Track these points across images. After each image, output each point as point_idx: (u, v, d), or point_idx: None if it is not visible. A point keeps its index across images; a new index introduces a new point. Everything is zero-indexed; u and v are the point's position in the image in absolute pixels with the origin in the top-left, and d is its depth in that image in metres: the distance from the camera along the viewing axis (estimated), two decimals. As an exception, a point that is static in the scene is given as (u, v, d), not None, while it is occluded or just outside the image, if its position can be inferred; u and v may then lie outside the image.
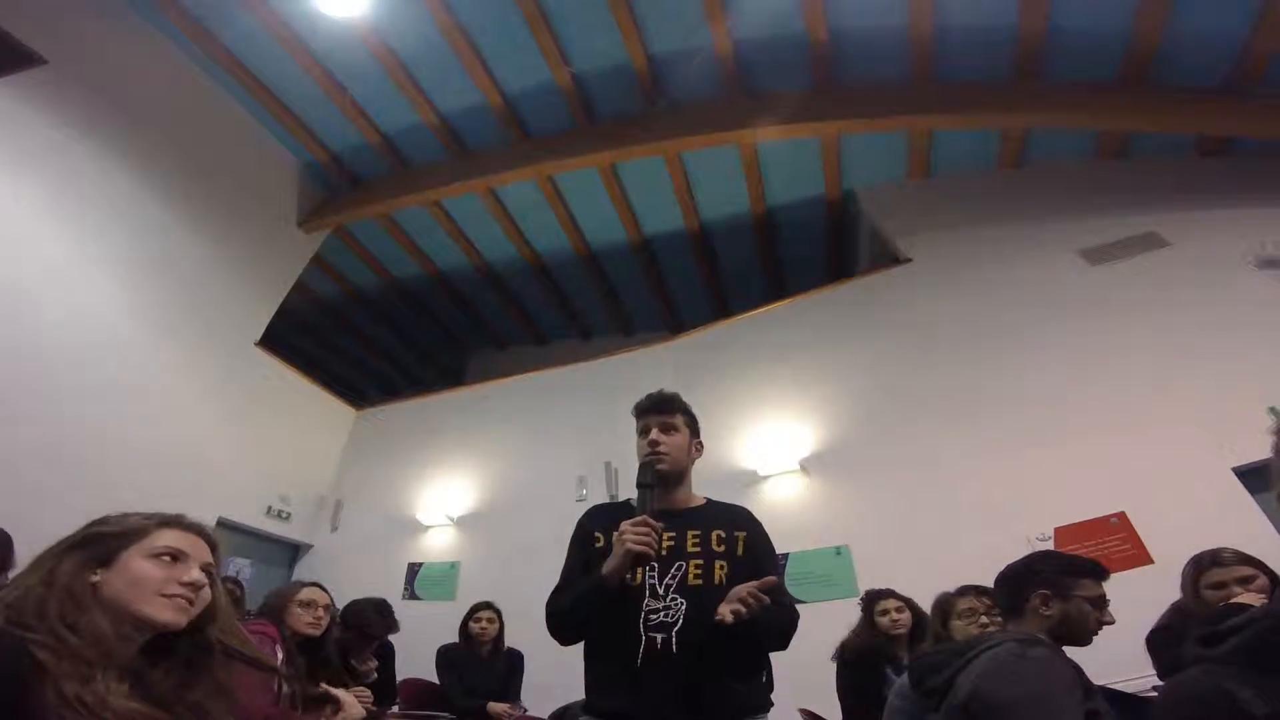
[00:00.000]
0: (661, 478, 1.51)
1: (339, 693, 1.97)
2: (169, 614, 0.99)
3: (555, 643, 1.47)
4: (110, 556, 1.00)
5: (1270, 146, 4.51)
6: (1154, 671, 2.09)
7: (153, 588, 0.99)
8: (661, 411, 1.60)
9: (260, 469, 5.58)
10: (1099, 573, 1.52)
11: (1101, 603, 1.49)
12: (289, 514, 5.76)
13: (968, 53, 4.67)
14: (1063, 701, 1.17)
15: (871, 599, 2.90)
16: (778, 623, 1.39)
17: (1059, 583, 1.48)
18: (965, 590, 2.52)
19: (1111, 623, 1.47)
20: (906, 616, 2.82)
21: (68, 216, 4.39)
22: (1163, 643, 2.04)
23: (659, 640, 1.34)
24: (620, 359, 6.15)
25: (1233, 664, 0.83)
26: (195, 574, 1.04)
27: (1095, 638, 1.49)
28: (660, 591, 1.40)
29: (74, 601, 0.92)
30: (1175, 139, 4.88)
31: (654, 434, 1.56)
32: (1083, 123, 4.79)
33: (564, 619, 1.43)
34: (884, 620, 2.79)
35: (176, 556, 1.04)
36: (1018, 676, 1.23)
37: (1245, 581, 1.88)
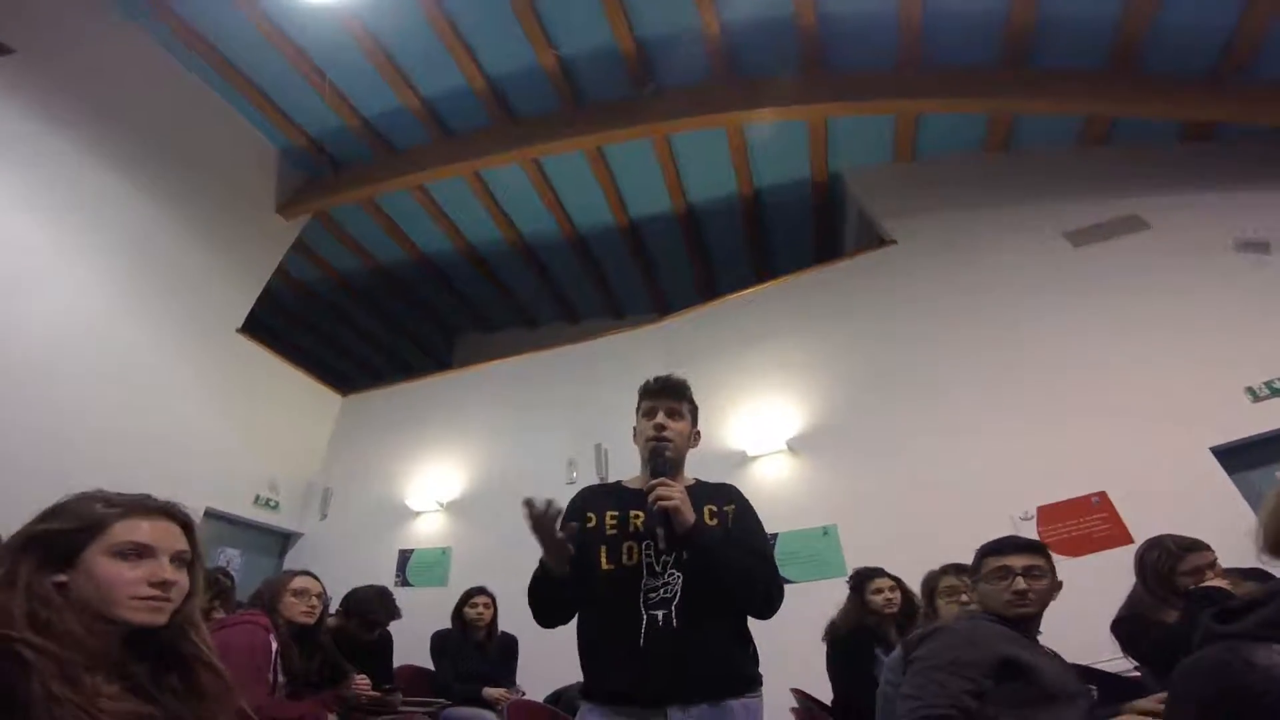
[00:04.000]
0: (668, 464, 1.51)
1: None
2: (144, 617, 0.92)
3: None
4: (71, 555, 0.91)
5: (1252, 133, 4.57)
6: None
7: (123, 591, 0.90)
8: (670, 397, 1.59)
9: (247, 458, 5.53)
10: (997, 549, 1.65)
11: (1001, 574, 1.59)
12: (277, 503, 5.73)
13: (957, 37, 4.64)
14: (960, 653, 1.44)
15: (863, 578, 2.89)
16: (740, 561, 1.39)
17: (974, 571, 1.69)
18: (948, 569, 2.56)
19: (1022, 590, 1.55)
20: (898, 595, 2.82)
21: (43, 207, 4.27)
22: (1130, 633, 2.08)
23: (660, 617, 1.36)
24: (609, 341, 6.15)
25: (1253, 638, 0.81)
26: (165, 572, 0.95)
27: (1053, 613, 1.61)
28: (658, 569, 1.41)
29: (41, 603, 0.84)
30: (1159, 125, 4.91)
31: (660, 418, 1.55)
32: (1070, 108, 4.81)
33: (532, 605, 1.45)
34: (877, 599, 2.79)
35: (142, 553, 0.94)
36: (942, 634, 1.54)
37: (1212, 566, 1.96)
